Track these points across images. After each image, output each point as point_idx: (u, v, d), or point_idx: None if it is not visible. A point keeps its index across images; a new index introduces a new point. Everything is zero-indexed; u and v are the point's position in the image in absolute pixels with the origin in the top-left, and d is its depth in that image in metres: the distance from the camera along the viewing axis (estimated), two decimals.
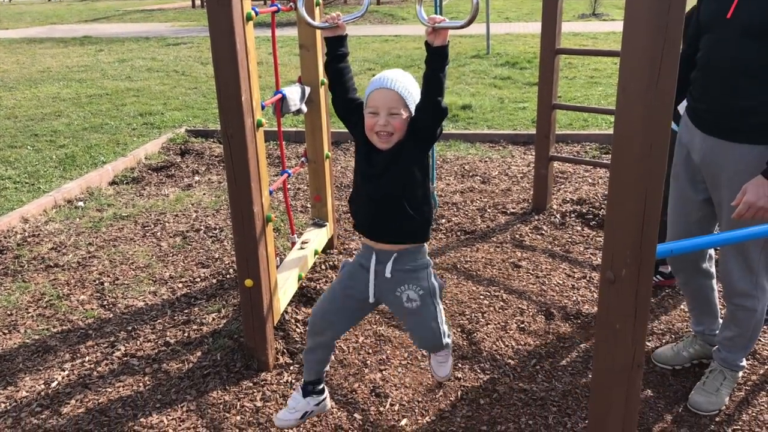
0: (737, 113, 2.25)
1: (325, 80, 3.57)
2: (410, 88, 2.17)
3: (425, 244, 2.31)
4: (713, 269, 2.71)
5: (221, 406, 2.68)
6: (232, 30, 2.41)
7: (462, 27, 2.02)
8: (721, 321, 2.75)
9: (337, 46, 2.29)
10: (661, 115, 1.50)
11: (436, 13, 3.70)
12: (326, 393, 2.51)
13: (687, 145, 2.52)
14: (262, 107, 2.78)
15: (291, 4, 3.28)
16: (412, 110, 2.15)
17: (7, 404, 2.73)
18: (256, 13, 2.60)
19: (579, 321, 3.25)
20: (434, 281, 2.31)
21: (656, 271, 3.49)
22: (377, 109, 2.13)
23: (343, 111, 2.31)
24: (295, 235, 3.52)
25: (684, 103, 2.59)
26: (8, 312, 3.44)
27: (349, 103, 2.30)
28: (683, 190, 2.58)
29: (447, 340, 2.39)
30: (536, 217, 4.44)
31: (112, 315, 3.39)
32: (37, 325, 3.31)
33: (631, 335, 1.72)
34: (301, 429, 2.55)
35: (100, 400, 2.74)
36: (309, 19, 2.39)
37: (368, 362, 2.96)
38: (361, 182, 2.26)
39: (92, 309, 3.45)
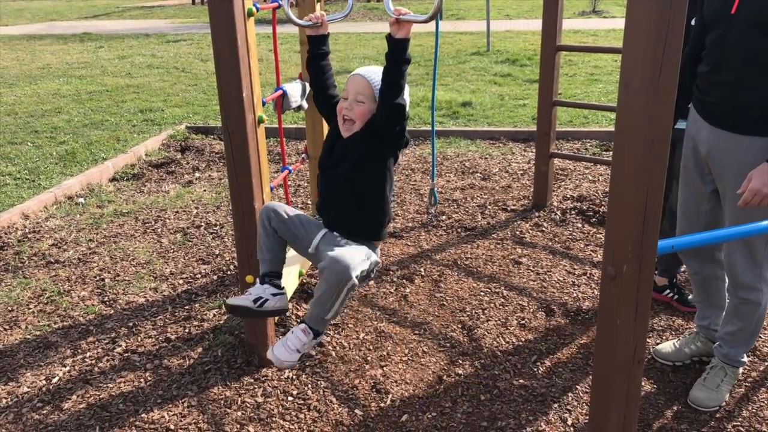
0: (747, 106, 2.29)
1: None
2: None
3: (376, 244, 2.41)
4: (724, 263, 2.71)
5: (222, 402, 2.68)
6: (233, 25, 2.41)
7: (424, 22, 2.07)
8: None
9: (318, 44, 2.39)
10: (662, 110, 1.50)
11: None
12: (284, 291, 2.45)
13: (694, 138, 2.53)
14: (263, 103, 2.78)
15: (291, 0, 3.28)
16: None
17: (9, 399, 2.74)
18: (257, 9, 2.60)
19: (579, 317, 3.25)
20: (373, 255, 2.34)
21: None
22: (347, 93, 2.25)
23: (323, 107, 2.44)
24: None
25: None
26: (9, 308, 3.44)
27: (328, 100, 2.42)
28: (692, 182, 2.60)
29: (353, 276, 2.11)
30: (536, 214, 4.44)
31: (112, 311, 3.40)
32: (38, 321, 3.31)
33: (632, 331, 1.72)
34: (301, 425, 2.56)
35: (101, 396, 2.74)
36: (293, 17, 2.45)
37: (369, 358, 2.96)
38: (320, 171, 2.39)
39: (93, 305, 3.46)
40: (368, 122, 2.23)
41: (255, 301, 2.36)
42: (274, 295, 2.39)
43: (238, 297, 2.42)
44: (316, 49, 2.38)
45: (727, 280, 2.63)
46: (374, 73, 2.25)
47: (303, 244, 2.38)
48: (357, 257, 2.20)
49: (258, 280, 2.44)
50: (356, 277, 2.13)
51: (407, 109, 2.20)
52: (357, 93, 2.23)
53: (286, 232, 2.39)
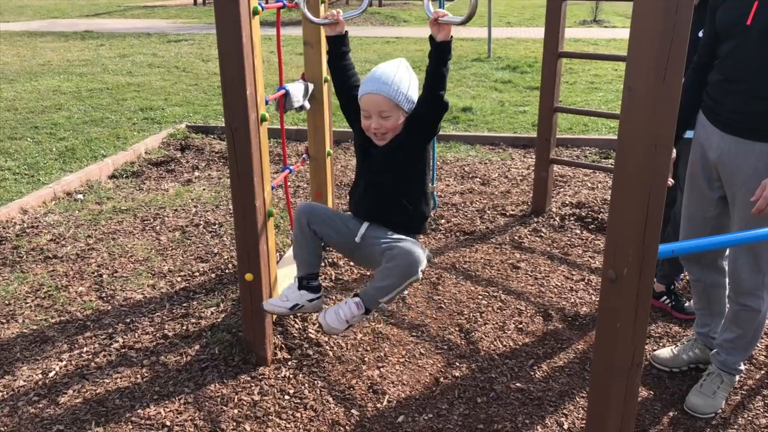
0: (760, 113, 2.30)
1: (329, 77, 3.58)
2: (402, 87, 2.22)
3: (418, 236, 2.42)
4: (727, 268, 2.72)
5: (219, 399, 2.68)
6: (239, 24, 2.41)
7: (461, 23, 2.10)
8: None
9: (338, 44, 2.38)
10: (666, 114, 1.51)
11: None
12: (321, 293, 2.56)
13: (703, 144, 2.54)
14: (266, 102, 2.79)
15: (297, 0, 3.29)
16: (406, 107, 2.22)
17: (5, 393, 2.73)
18: (262, 8, 2.61)
19: (577, 323, 3.26)
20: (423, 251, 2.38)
21: None
22: (369, 112, 2.23)
23: (346, 105, 2.42)
24: None
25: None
26: (6, 302, 3.43)
27: (353, 101, 2.37)
28: (699, 188, 2.61)
29: (419, 272, 2.29)
30: (535, 220, 4.45)
31: (110, 307, 3.39)
32: (35, 316, 3.31)
33: (631, 334, 1.72)
34: (298, 425, 2.56)
35: (97, 391, 2.74)
36: (310, 16, 2.44)
37: (366, 359, 2.96)
38: (360, 175, 2.37)
39: (91, 301, 3.45)
40: (406, 123, 2.24)
41: (292, 308, 2.49)
42: (310, 300, 2.51)
43: (274, 301, 2.50)
44: (335, 48, 2.37)
45: (728, 287, 2.64)
46: (387, 84, 2.22)
47: (344, 237, 2.41)
48: (422, 254, 2.30)
49: (296, 282, 2.48)
50: (421, 272, 2.30)
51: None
52: (380, 111, 2.23)
53: (325, 228, 2.42)
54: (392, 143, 2.25)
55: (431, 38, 2.15)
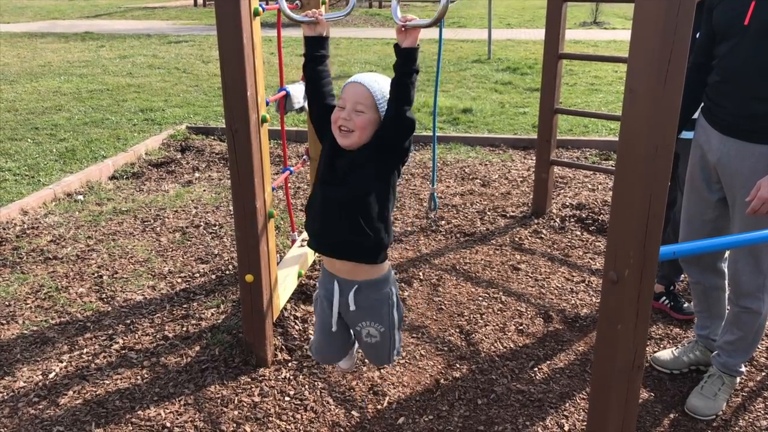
0: (759, 115, 2.30)
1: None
2: (385, 91, 2.06)
3: (386, 268, 2.20)
4: (727, 271, 2.72)
5: (219, 401, 2.68)
6: (240, 25, 2.41)
7: (429, 26, 1.97)
8: None
9: (316, 46, 2.20)
10: (667, 116, 1.51)
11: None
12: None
13: (702, 146, 2.54)
14: (267, 103, 2.79)
15: (297, 2, 3.29)
16: (382, 114, 2.05)
17: (5, 394, 2.73)
18: (263, 9, 2.61)
19: (577, 324, 3.26)
20: (396, 314, 2.23)
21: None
22: (345, 102, 2.05)
23: (316, 115, 2.23)
24: (296, 233, 3.53)
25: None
26: (6, 303, 3.43)
27: (324, 110, 2.19)
28: (699, 190, 2.61)
29: (395, 359, 2.39)
30: (536, 221, 4.45)
31: (110, 308, 3.39)
32: (36, 317, 3.30)
33: (632, 336, 1.72)
34: (298, 426, 2.56)
35: (97, 392, 2.73)
36: (288, 12, 2.34)
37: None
38: (319, 187, 2.16)
39: (91, 302, 3.45)
40: (374, 137, 2.06)
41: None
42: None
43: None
44: (312, 50, 2.19)
45: (728, 289, 2.63)
46: (375, 81, 2.07)
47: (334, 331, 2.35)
48: (389, 345, 2.27)
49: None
50: (395, 356, 2.34)
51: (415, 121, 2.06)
52: (356, 102, 2.04)
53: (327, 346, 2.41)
54: (358, 155, 2.07)
55: (396, 46, 1.99)
